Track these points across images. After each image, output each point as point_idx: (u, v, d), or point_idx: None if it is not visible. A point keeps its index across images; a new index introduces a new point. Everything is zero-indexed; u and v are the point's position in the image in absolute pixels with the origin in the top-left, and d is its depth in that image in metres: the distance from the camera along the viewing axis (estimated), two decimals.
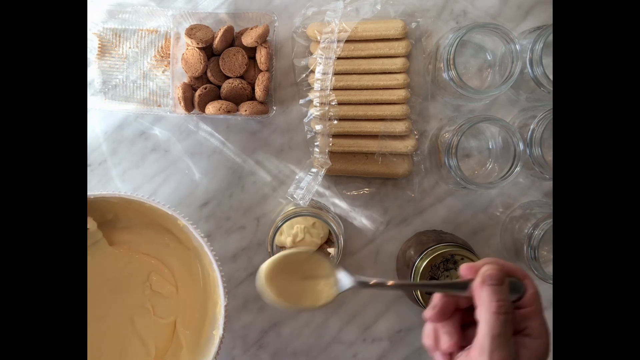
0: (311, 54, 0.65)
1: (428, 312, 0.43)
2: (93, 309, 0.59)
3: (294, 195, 0.62)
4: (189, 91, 0.63)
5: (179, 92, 0.62)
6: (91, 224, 0.60)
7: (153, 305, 0.62)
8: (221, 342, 0.54)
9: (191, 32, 0.62)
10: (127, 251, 0.62)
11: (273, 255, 0.59)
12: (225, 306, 0.54)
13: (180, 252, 0.62)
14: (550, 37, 0.57)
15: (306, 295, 0.45)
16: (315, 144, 0.63)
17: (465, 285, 0.42)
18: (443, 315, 0.43)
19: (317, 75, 0.62)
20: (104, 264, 0.61)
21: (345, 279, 0.45)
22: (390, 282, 0.45)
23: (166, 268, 0.63)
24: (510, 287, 0.42)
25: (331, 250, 0.61)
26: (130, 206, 0.57)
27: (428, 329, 0.44)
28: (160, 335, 0.61)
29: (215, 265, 0.55)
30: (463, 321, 0.44)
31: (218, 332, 0.55)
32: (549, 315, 0.68)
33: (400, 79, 0.63)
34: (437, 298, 0.44)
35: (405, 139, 0.64)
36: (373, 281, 0.44)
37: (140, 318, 0.61)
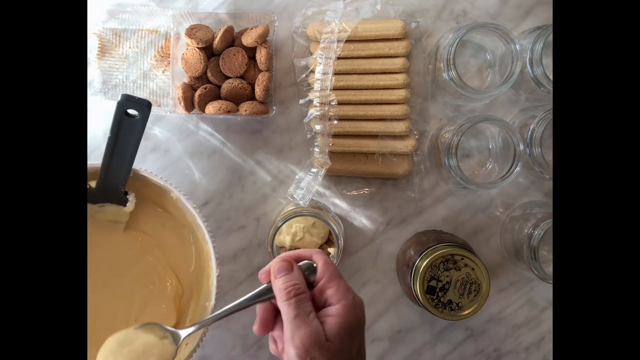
0: (311, 54, 0.65)
1: (255, 327, 0.46)
2: (94, 288, 0.59)
3: (294, 195, 0.62)
4: (189, 91, 0.63)
5: (179, 92, 0.62)
6: (131, 200, 0.60)
7: (148, 290, 0.62)
8: (213, 312, 0.55)
9: (191, 32, 0.62)
10: (131, 229, 0.62)
11: (273, 255, 0.60)
12: (218, 277, 0.56)
13: (176, 230, 0.62)
14: (550, 37, 0.57)
15: None
16: (315, 144, 0.63)
17: (270, 289, 0.45)
18: (267, 324, 0.45)
19: (317, 75, 0.62)
20: (110, 244, 0.62)
21: (180, 332, 0.49)
22: (208, 317, 0.48)
23: (162, 251, 0.62)
24: (306, 269, 0.45)
25: (331, 250, 0.61)
26: (129, 182, 0.58)
27: (270, 340, 0.47)
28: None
29: (207, 237, 0.56)
30: None
31: (210, 303, 0.56)
32: (549, 316, 0.69)
33: (400, 79, 0.63)
34: (257, 312, 0.46)
35: (405, 139, 0.64)
36: (196, 326, 0.48)
37: (139, 297, 0.61)
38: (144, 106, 0.53)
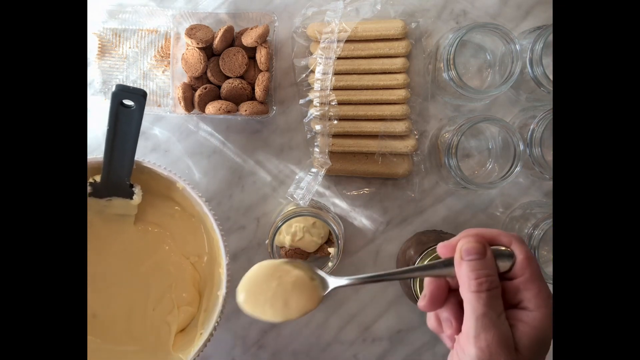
0: (311, 54, 0.65)
1: (421, 302, 0.41)
2: (109, 282, 0.59)
3: (294, 195, 0.62)
4: (189, 91, 0.63)
5: (179, 92, 0.62)
6: (137, 192, 0.59)
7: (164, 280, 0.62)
8: (225, 301, 0.56)
9: (191, 32, 0.62)
10: (141, 222, 0.62)
11: (273, 255, 0.60)
12: (227, 265, 0.55)
13: (185, 221, 0.62)
14: (550, 37, 0.57)
15: (292, 303, 0.43)
16: (315, 144, 0.63)
17: (449, 264, 0.40)
18: (436, 302, 0.41)
19: (317, 75, 0.62)
20: (122, 237, 0.62)
21: (329, 280, 0.43)
22: (367, 275, 0.42)
23: (174, 241, 0.63)
24: (498, 256, 0.39)
25: (331, 250, 0.61)
26: (135, 176, 0.58)
27: (429, 314, 0.42)
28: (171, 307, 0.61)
29: (215, 225, 0.56)
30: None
31: (222, 292, 0.56)
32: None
33: (400, 79, 0.63)
34: (426, 286, 0.41)
35: (405, 139, 0.64)
36: (356, 277, 0.42)
37: (156, 287, 0.62)
38: (140, 95, 0.53)
